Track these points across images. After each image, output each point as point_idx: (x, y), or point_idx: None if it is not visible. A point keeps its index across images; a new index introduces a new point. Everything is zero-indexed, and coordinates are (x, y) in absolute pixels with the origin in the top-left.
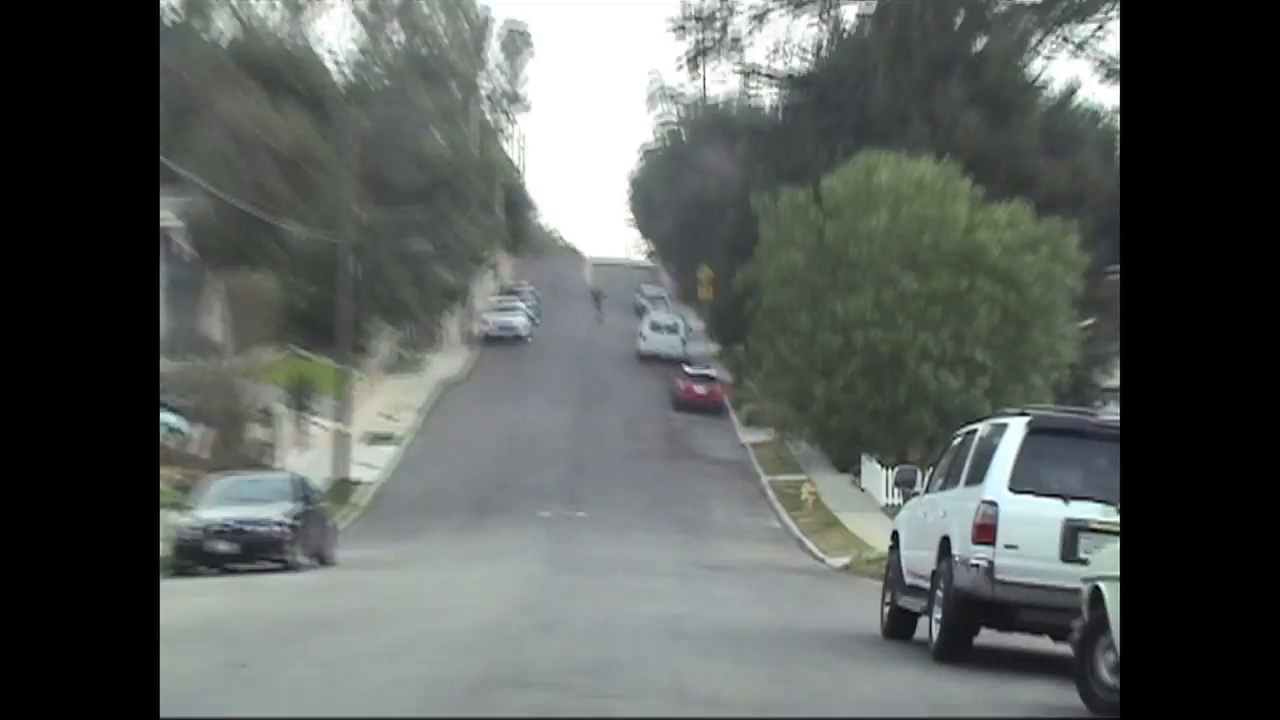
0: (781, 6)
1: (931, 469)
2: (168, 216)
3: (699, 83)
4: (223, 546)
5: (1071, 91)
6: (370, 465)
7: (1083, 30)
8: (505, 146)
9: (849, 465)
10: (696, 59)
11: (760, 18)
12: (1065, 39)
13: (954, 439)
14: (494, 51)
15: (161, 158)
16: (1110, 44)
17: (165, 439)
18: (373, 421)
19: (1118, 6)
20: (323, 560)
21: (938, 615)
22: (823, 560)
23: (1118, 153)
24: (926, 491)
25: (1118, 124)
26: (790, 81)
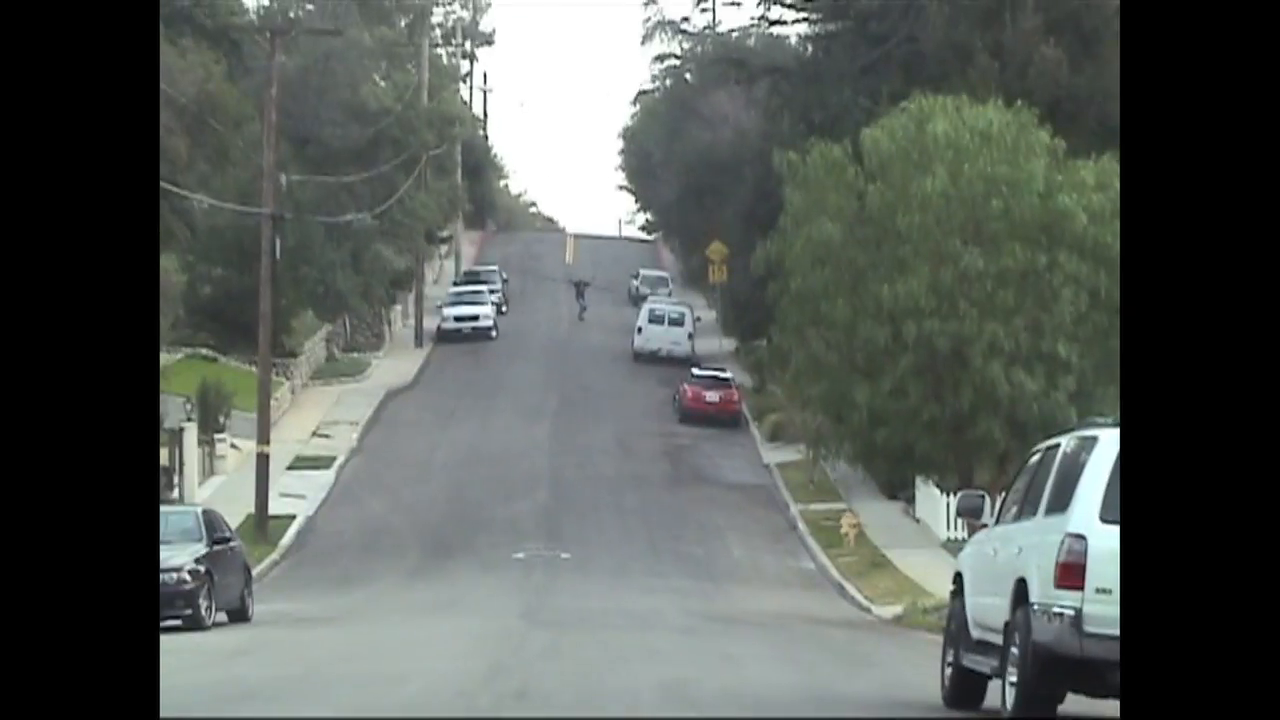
0: None
1: (1003, 494)
2: None
3: (708, 12)
4: None
5: None
6: (296, 495)
7: None
8: (464, 94)
9: (899, 490)
10: None
11: None
12: None
13: (1031, 456)
14: None
15: None
16: None
17: None
18: (300, 440)
19: None
20: (237, 615)
21: (1012, 678)
22: (868, 610)
23: None
24: (997, 522)
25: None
26: (822, 7)
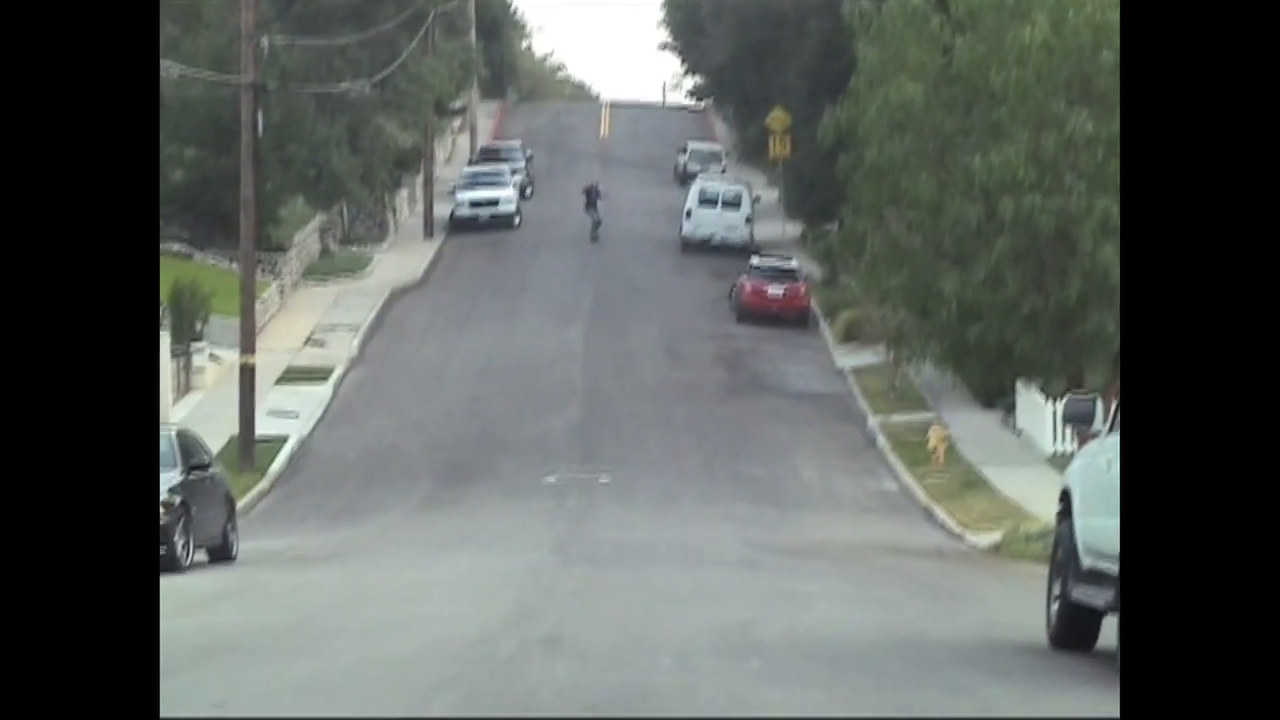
0: None
1: (1118, 398)
2: None
3: None
4: None
5: None
6: (287, 414)
7: None
8: None
9: (996, 397)
10: None
11: None
12: None
13: None
14: None
15: None
16: None
17: None
18: (291, 348)
19: None
20: (219, 554)
21: None
22: (960, 537)
23: None
24: (1111, 431)
25: None
26: None
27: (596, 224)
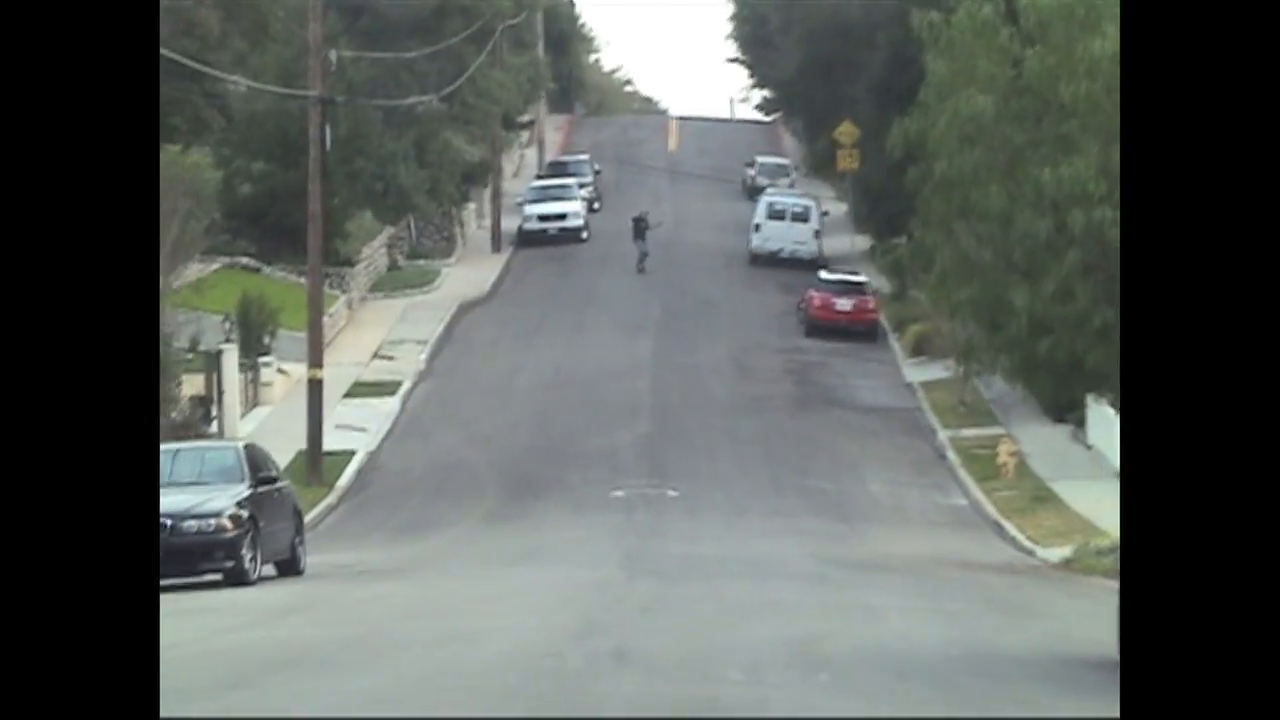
0: None
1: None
2: None
3: None
4: None
5: None
6: (355, 428)
7: None
8: None
9: (1067, 411)
10: None
11: None
12: None
13: None
14: None
15: None
16: None
17: None
18: (358, 362)
19: None
20: (287, 567)
21: None
22: (1031, 552)
23: None
24: None
25: None
26: None
27: (643, 255)
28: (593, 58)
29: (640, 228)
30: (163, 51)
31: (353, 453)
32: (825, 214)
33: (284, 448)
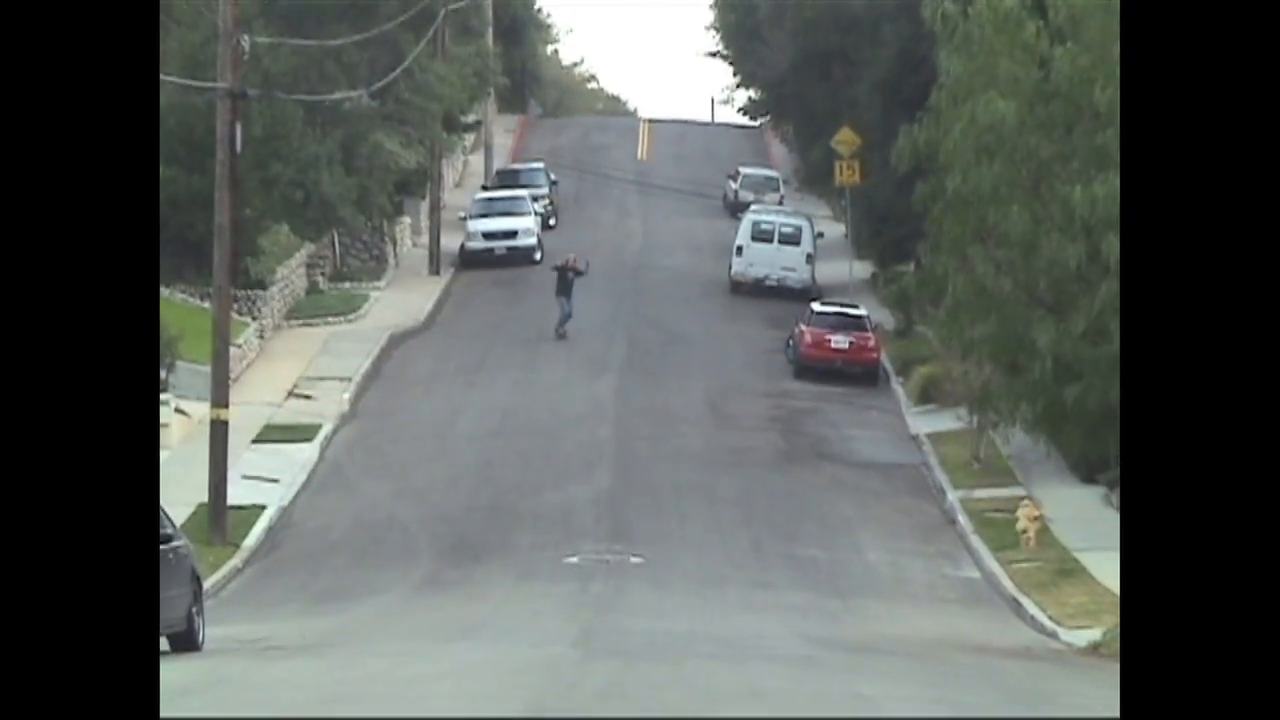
0: None
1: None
2: None
3: None
4: None
5: None
6: (266, 477)
7: None
8: None
9: (1099, 470)
10: None
11: None
12: None
13: None
14: None
15: None
16: None
17: None
18: (271, 401)
19: None
20: (182, 641)
21: None
22: (1054, 634)
23: None
24: None
25: None
26: None
27: (565, 318)
28: (550, 49)
29: (565, 280)
30: None
31: (263, 507)
32: (819, 236)
33: (182, 500)
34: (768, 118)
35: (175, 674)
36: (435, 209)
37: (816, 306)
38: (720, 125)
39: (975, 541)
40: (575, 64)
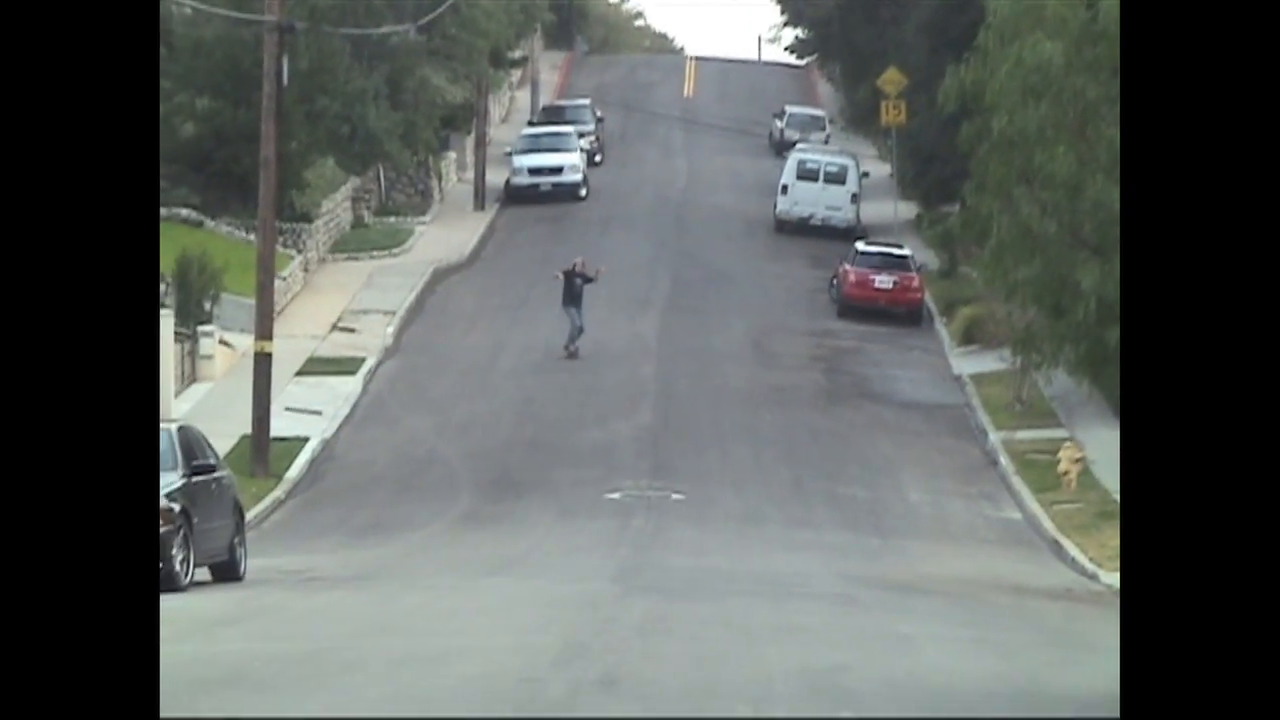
0: None
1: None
2: None
3: None
4: None
5: None
6: (309, 410)
7: None
8: None
9: None
10: None
11: None
12: None
13: None
14: None
15: None
16: None
17: None
18: (314, 335)
19: None
20: (224, 572)
21: None
22: (1094, 576)
23: None
24: None
25: None
26: None
27: (577, 331)
28: None
29: (573, 288)
30: None
31: (305, 439)
32: (865, 175)
33: (225, 431)
34: (814, 57)
35: (215, 603)
36: (481, 144)
37: (861, 246)
38: (767, 64)
39: (1016, 483)
40: (622, 1)
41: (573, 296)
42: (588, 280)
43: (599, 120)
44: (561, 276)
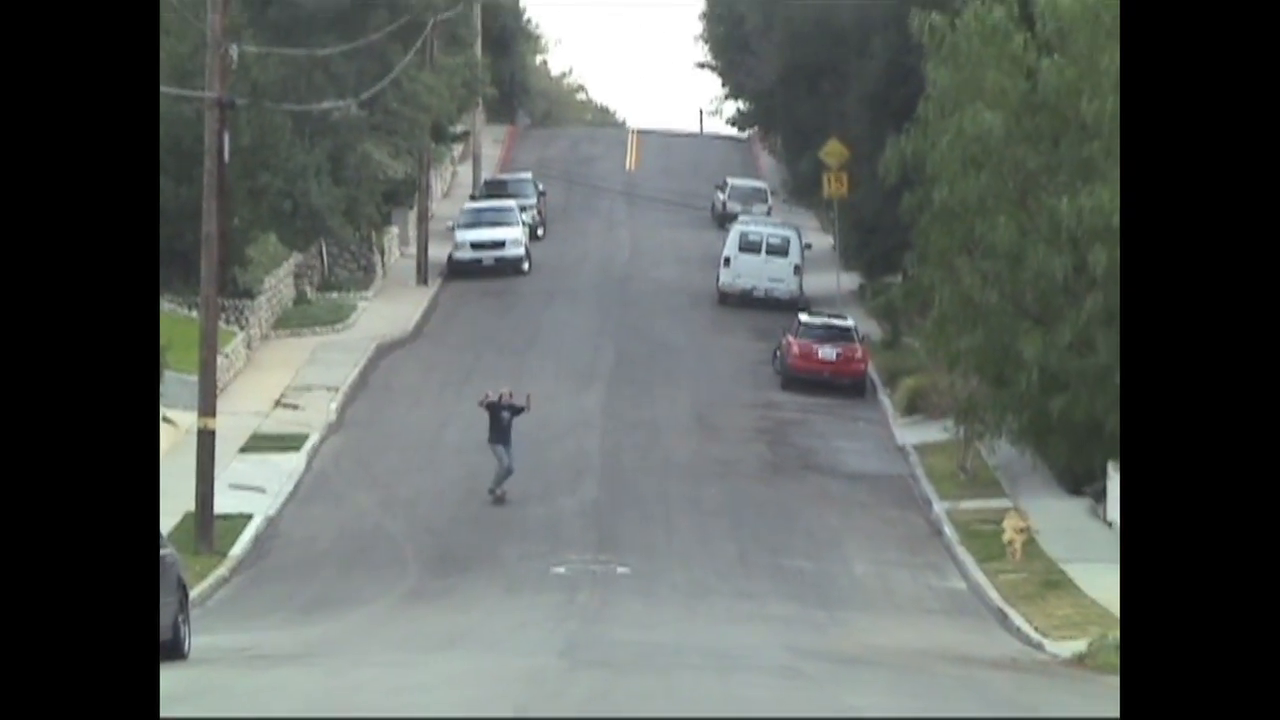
0: None
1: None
2: None
3: None
4: None
5: None
6: (253, 487)
7: None
8: None
9: (1085, 482)
10: None
11: None
12: None
13: None
14: None
15: None
16: None
17: None
18: (258, 411)
19: None
20: (168, 650)
21: None
22: (1040, 646)
23: None
24: None
25: None
26: None
27: (505, 473)
28: (539, 59)
29: (500, 422)
30: None
31: (250, 516)
32: (807, 247)
33: (169, 509)
34: (756, 129)
35: (162, 682)
36: (423, 219)
37: (804, 317)
38: (709, 136)
39: (961, 552)
40: (564, 74)
41: (499, 432)
42: (517, 411)
43: (541, 194)
44: (485, 408)
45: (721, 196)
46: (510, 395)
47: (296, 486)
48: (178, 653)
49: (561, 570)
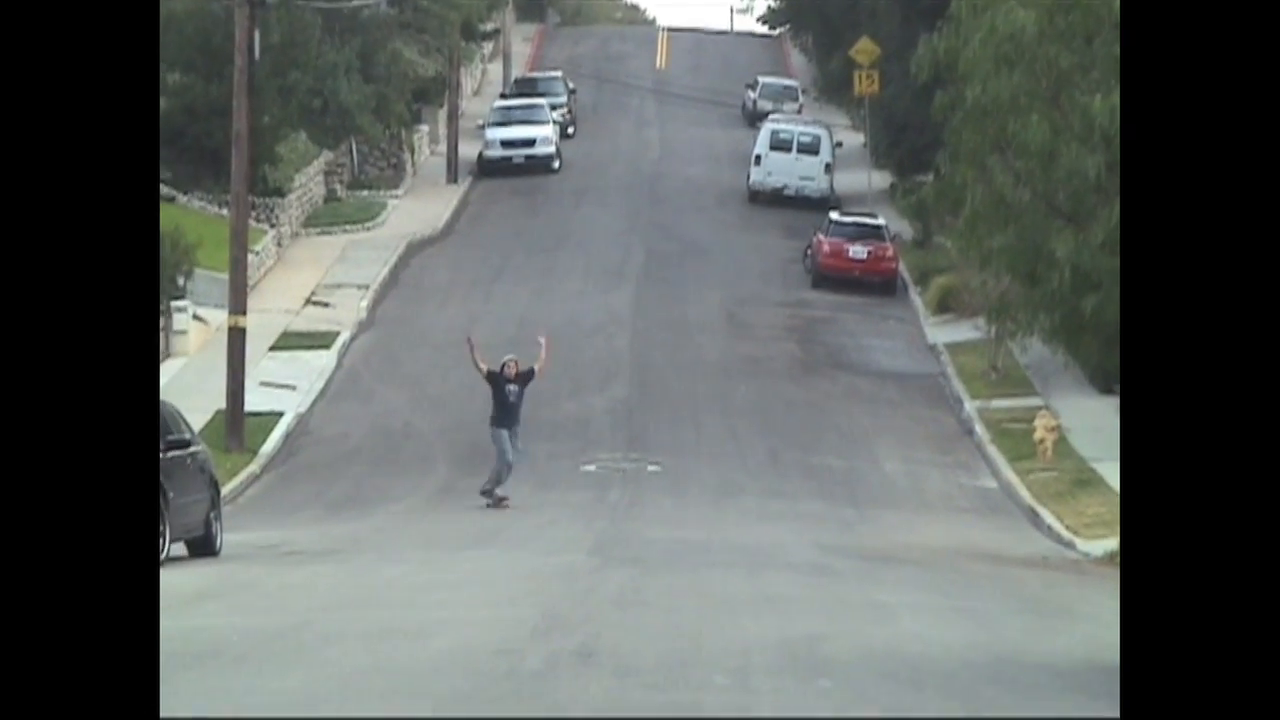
0: None
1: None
2: None
3: None
4: None
5: None
6: (284, 385)
7: None
8: None
9: (1115, 380)
10: None
11: None
12: None
13: None
14: None
15: None
16: None
17: None
18: (289, 310)
19: None
20: (199, 547)
21: None
22: (1070, 544)
23: None
24: None
25: None
26: None
27: (506, 468)
28: None
29: (504, 398)
30: None
31: (280, 414)
32: (838, 145)
33: (200, 407)
34: (787, 27)
35: (191, 578)
36: (453, 117)
37: (835, 216)
38: (739, 34)
39: (992, 451)
40: None
41: (505, 413)
42: (524, 382)
43: (571, 92)
44: (488, 380)
45: (752, 95)
46: (517, 364)
47: (327, 384)
48: (209, 549)
49: (591, 468)
